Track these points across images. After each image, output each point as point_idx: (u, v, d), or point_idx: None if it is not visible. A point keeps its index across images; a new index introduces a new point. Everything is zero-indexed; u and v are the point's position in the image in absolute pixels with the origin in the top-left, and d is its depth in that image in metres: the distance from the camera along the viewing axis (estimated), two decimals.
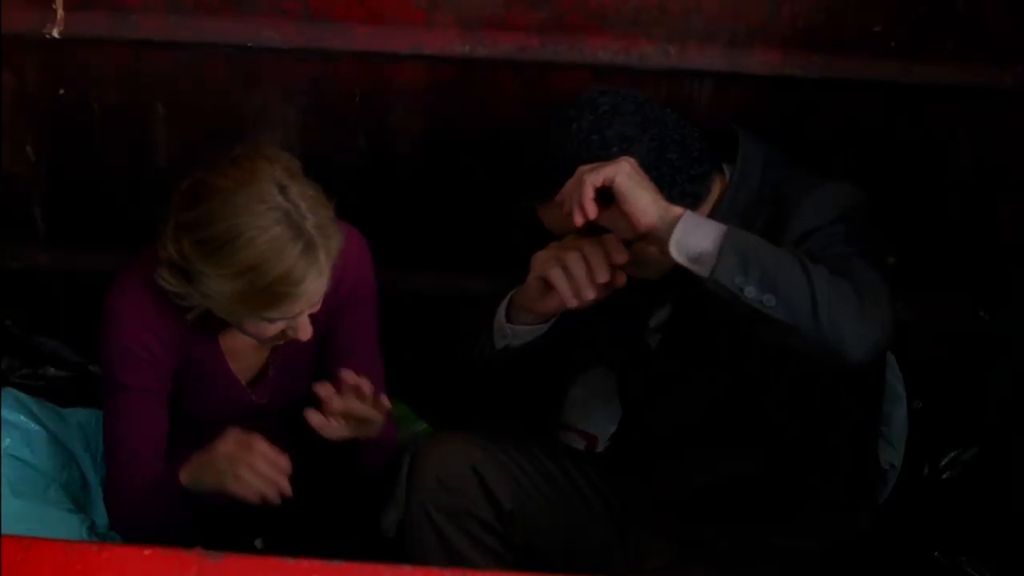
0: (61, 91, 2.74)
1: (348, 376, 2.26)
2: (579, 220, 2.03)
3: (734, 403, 2.33)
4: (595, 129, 2.16)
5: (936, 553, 2.67)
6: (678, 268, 2.03)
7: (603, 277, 2.10)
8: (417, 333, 2.93)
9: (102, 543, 2.56)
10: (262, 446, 2.24)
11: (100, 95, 2.75)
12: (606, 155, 2.11)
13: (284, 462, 2.24)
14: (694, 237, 2.01)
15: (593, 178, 2.01)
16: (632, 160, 2.04)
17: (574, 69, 2.63)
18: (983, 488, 2.65)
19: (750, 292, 1.99)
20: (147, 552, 1.54)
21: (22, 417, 2.67)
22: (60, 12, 2.62)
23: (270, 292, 2.15)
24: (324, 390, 2.26)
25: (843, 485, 2.40)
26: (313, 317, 2.29)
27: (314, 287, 2.18)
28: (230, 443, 2.26)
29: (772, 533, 2.39)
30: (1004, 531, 2.55)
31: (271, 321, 2.23)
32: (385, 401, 2.31)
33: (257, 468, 2.22)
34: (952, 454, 2.71)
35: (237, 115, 2.75)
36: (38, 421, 2.70)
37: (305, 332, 2.26)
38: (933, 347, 2.75)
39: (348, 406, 2.28)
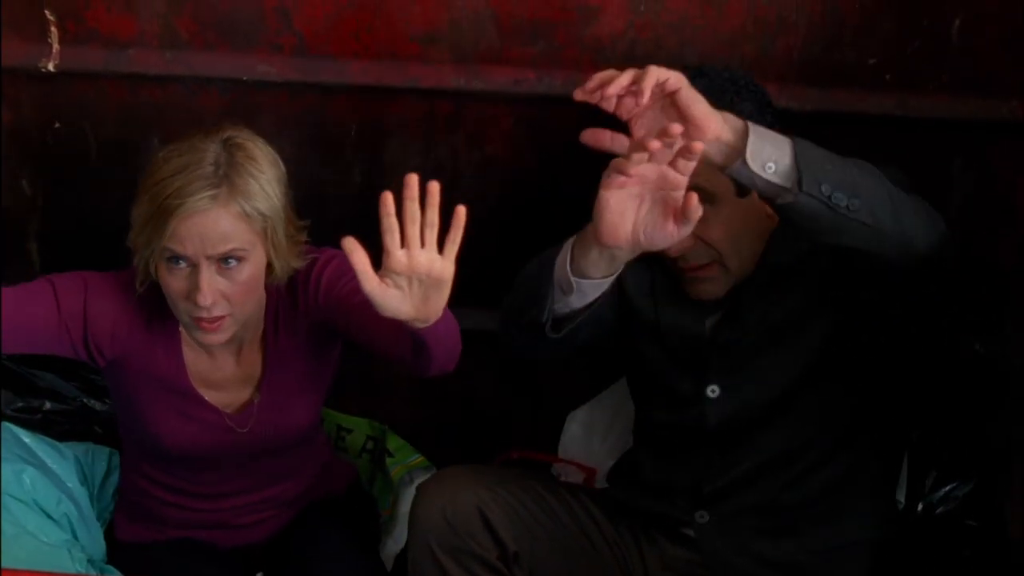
0: (56, 125, 2.75)
1: (411, 181, 1.92)
2: (618, 89, 2.00)
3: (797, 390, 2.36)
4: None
5: None
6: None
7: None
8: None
9: None
10: None
11: (96, 129, 2.75)
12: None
13: None
14: (768, 147, 2.00)
15: (660, 72, 1.98)
16: None
17: (570, 103, 2.62)
18: (978, 523, 2.63)
19: (838, 198, 1.99)
20: None
21: (19, 453, 2.67)
22: (56, 46, 2.63)
23: (165, 209, 2.19)
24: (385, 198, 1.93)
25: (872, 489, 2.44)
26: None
27: (209, 215, 2.20)
28: None
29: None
30: (999, 567, 2.53)
31: (173, 261, 2.24)
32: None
33: None
34: (947, 488, 2.69)
35: None
36: (33, 455, 2.69)
37: (204, 295, 2.22)
38: (929, 379, 2.73)
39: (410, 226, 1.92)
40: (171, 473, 2.54)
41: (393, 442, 3.00)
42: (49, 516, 2.64)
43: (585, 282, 2.22)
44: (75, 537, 2.66)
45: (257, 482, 2.57)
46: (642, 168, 2.04)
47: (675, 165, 2.02)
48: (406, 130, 2.72)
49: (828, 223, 2.01)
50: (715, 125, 1.99)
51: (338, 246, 2.26)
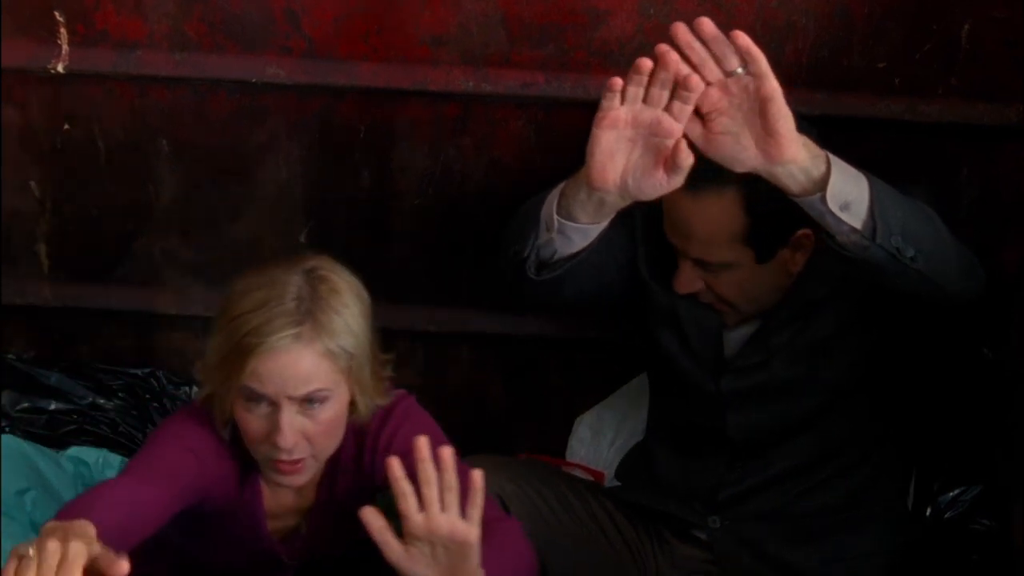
0: (66, 127, 2.75)
1: (421, 444, 1.90)
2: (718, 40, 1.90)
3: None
4: None
5: None
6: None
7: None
8: (417, 369, 2.93)
9: None
10: None
11: (104, 131, 2.75)
12: None
13: None
14: (848, 185, 1.97)
15: (766, 68, 1.89)
16: None
17: (578, 106, 2.63)
18: (986, 527, 2.63)
19: (905, 250, 1.99)
20: None
21: (22, 465, 2.67)
22: (65, 47, 2.63)
23: (244, 347, 2.07)
24: (395, 464, 1.91)
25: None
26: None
27: (291, 355, 2.07)
28: None
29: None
30: (1007, 572, 2.53)
31: (253, 400, 2.10)
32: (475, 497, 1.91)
33: None
34: (955, 492, 2.69)
35: (241, 151, 2.75)
36: (35, 471, 2.70)
37: (285, 437, 2.08)
38: (936, 384, 2.73)
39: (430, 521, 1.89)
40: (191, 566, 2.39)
41: None
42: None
43: (569, 224, 2.16)
44: None
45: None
46: (637, 109, 1.97)
47: (670, 109, 1.95)
48: (415, 133, 2.72)
49: (890, 272, 2.01)
50: (795, 148, 1.94)
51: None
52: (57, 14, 2.61)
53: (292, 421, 2.09)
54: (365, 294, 2.17)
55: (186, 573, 2.37)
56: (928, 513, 2.69)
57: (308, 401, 2.10)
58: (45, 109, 2.74)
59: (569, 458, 2.95)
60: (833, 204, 1.96)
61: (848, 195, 1.97)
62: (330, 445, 2.18)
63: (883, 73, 2.59)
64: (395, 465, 1.88)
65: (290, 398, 2.08)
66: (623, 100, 1.97)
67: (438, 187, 2.78)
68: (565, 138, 2.60)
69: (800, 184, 1.97)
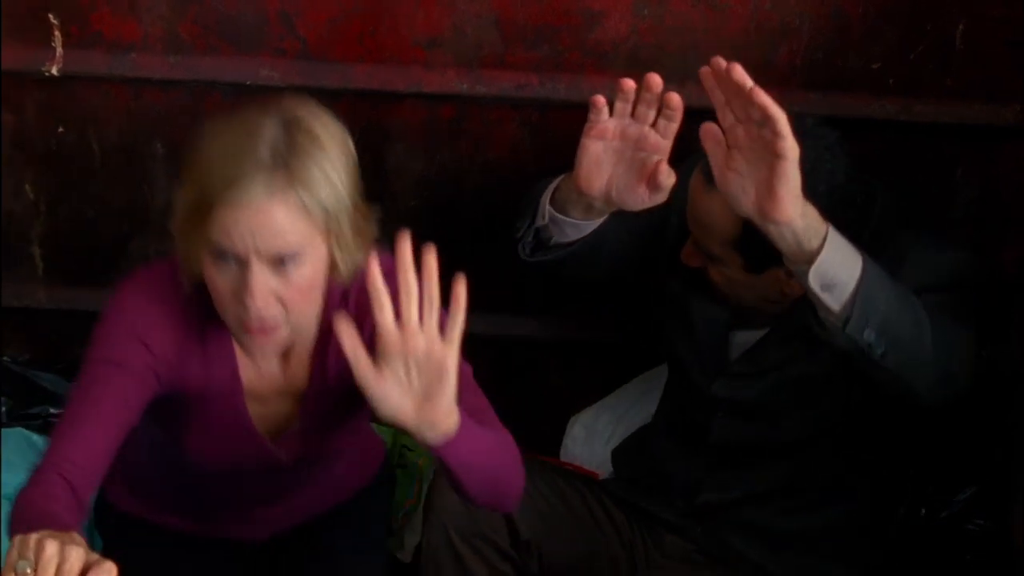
0: (60, 129, 2.75)
1: (402, 245, 1.70)
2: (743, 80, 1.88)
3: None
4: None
5: None
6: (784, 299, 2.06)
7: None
8: None
9: None
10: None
11: (99, 133, 2.75)
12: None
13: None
14: (837, 267, 1.96)
15: (785, 127, 1.86)
16: None
17: (573, 108, 2.62)
18: (981, 528, 2.63)
19: (875, 346, 1.98)
20: None
21: (31, 457, 2.66)
22: (59, 50, 2.62)
23: (211, 197, 1.87)
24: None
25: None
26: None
27: (262, 208, 1.86)
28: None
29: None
30: (1003, 572, 2.53)
31: (221, 258, 1.90)
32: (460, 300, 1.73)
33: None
34: (950, 492, 2.69)
35: None
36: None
37: (254, 297, 1.88)
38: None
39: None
40: (189, 472, 2.25)
41: (406, 440, 3.00)
42: None
43: (560, 217, 2.22)
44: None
45: (276, 491, 2.34)
46: (625, 123, 2.00)
47: (656, 126, 1.98)
48: (409, 135, 2.72)
49: (857, 360, 2.00)
50: (790, 213, 1.91)
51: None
52: (51, 16, 2.61)
53: (262, 281, 1.89)
54: (350, 145, 1.97)
55: (190, 491, 2.29)
56: (923, 513, 2.69)
57: (280, 261, 1.90)
58: (40, 112, 2.74)
59: (563, 458, 2.95)
60: (815, 282, 1.96)
61: (834, 277, 1.96)
62: (306, 310, 1.98)
63: (878, 74, 2.58)
64: (374, 269, 1.69)
65: (260, 255, 1.88)
66: (611, 114, 2.01)
67: (433, 189, 2.78)
68: (559, 139, 2.59)
69: (790, 248, 1.96)
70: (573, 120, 2.64)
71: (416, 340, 1.71)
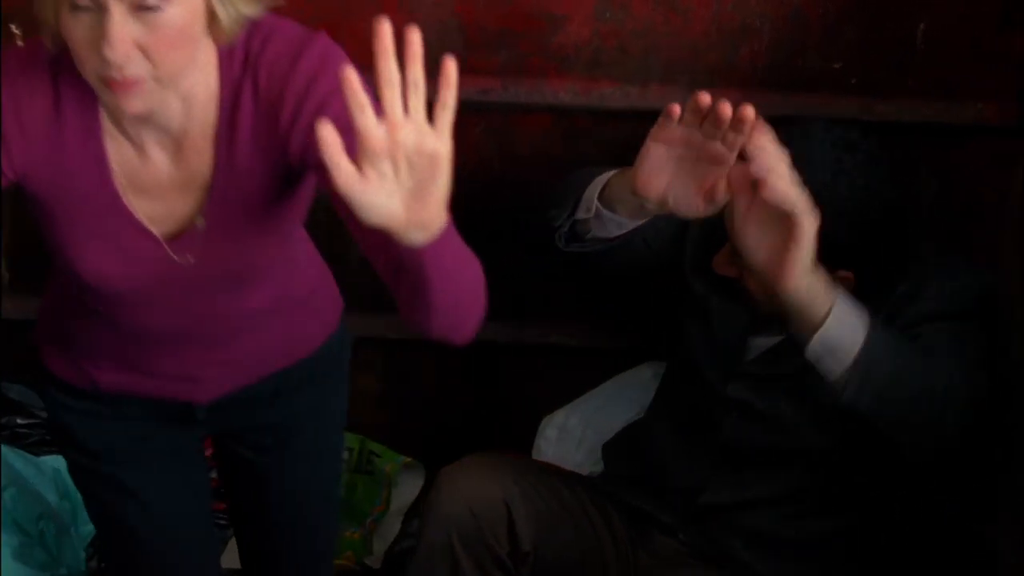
0: None
1: (381, 29, 1.49)
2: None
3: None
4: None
5: None
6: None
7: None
8: (399, 376, 2.93)
9: None
10: None
11: None
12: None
13: None
14: (839, 342, 2.00)
15: (786, 189, 1.94)
16: None
17: (536, 111, 2.64)
18: (979, 529, 2.63)
19: (870, 410, 2.02)
20: None
21: None
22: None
23: None
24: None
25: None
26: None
27: None
28: None
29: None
30: (1004, 573, 2.53)
31: (78, 7, 1.65)
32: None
33: None
34: (944, 493, 2.68)
35: None
36: (13, 471, 2.69)
37: (112, 45, 1.63)
38: None
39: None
40: (98, 302, 1.98)
41: (374, 446, 3.00)
42: (27, 534, 2.64)
43: (607, 214, 2.21)
44: (51, 555, 2.66)
45: (209, 331, 2.03)
46: (691, 132, 2.01)
47: (724, 139, 1.98)
48: None
49: (859, 420, 2.05)
50: (794, 285, 1.97)
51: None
52: (13, 27, 2.59)
53: (121, 27, 1.63)
54: None
55: (111, 328, 2.02)
56: (922, 513, 2.68)
57: (142, 4, 1.64)
58: None
59: (535, 458, 2.94)
60: (812, 351, 2.01)
61: (835, 347, 2.01)
62: (175, 63, 1.70)
63: (839, 73, 2.59)
64: (348, 72, 1.46)
65: None
66: (680, 121, 2.02)
67: None
68: (523, 143, 2.61)
69: (795, 312, 2.02)
70: (536, 124, 2.66)
71: (403, 133, 1.46)
